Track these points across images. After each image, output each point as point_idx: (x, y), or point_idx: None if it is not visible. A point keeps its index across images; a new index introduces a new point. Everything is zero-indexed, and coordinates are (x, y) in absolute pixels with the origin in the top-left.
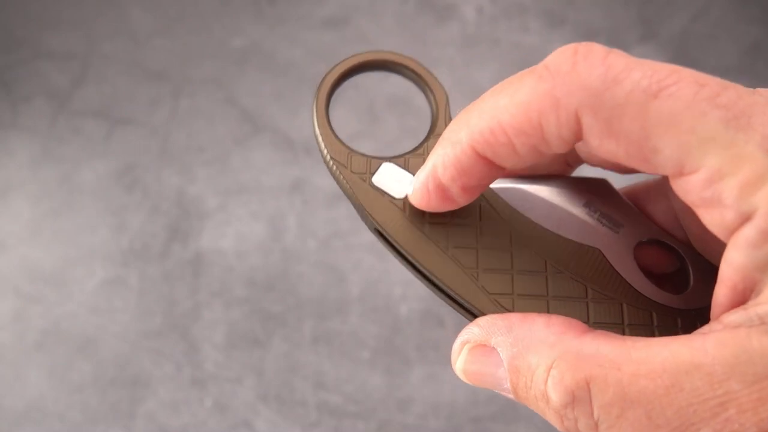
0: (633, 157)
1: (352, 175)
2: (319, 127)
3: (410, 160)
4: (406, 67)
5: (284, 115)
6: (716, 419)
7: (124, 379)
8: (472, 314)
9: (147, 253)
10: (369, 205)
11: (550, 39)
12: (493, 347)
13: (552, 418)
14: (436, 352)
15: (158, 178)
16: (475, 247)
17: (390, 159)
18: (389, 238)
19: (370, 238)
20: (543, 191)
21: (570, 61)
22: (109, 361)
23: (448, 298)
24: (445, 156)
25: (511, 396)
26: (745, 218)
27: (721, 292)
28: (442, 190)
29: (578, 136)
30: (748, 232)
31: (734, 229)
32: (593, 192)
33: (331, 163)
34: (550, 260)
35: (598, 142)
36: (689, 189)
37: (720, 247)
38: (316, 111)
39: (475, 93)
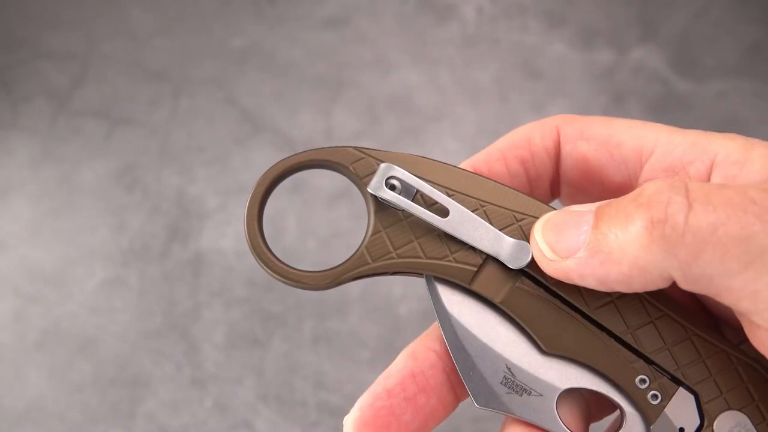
0: (600, 154)
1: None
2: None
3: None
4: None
5: (284, 115)
6: None
7: (124, 379)
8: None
9: (147, 253)
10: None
11: (550, 39)
12: (582, 206)
13: (637, 215)
14: None
15: (158, 178)
16: None
17: None
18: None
19: None
20: None
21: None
22: (109, 361)
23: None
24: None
25: (572, 259)
26: (710, 165)
27: None
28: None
29: (557, 147)
30: (716, 174)
31: (706, 180)
32: None
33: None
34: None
35: (570, 147)
36: (654, 171)
37: None
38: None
39: (475, 93)
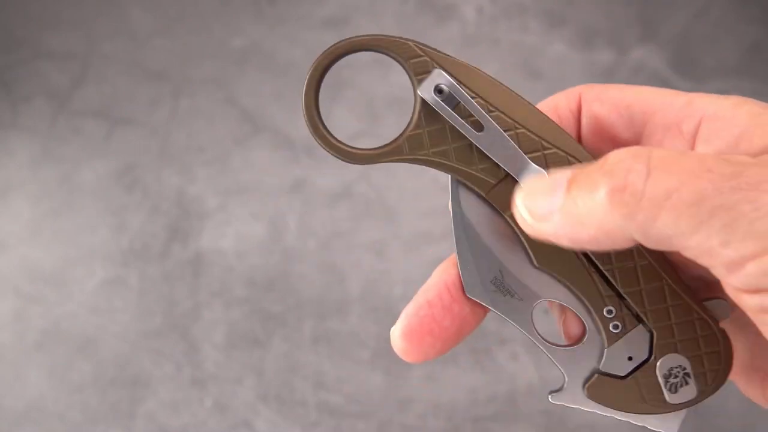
0: (612, 113)
1: None
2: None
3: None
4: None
5: (284, 115)
6: None
7: (124, 379)
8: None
9: (147, 253)
10: None
11: (550, 39)
12: (558, 172)
13: (602, 183)
14: None
15: (158, 178)
16: None
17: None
18: None
19: (370, 238)
20: None
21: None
22: (109, 361)
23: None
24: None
25: (548, 222)
26: (699, 121)
27: None
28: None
29: (579, 108)
30: (702, 131)
31: (694, 135)
32: None
33: None
34: None
35: (587, 107)
36: (655, 127)
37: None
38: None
39: None
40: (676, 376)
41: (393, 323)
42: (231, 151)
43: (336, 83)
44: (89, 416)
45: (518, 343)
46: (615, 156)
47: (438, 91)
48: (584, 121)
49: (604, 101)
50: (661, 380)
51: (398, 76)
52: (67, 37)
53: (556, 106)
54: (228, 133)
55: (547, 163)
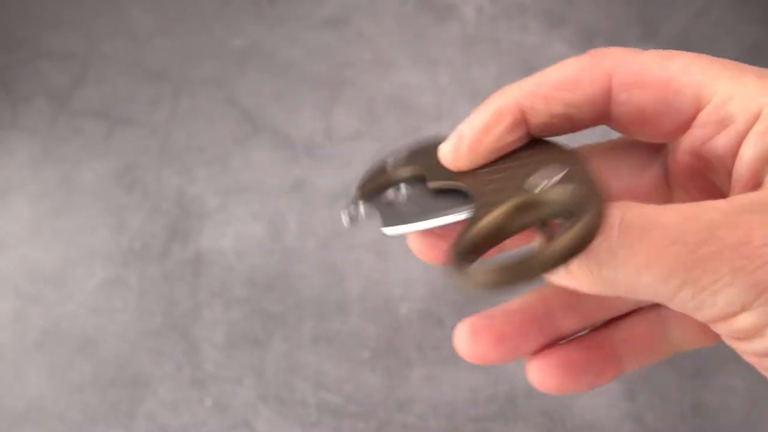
0: (658, 103)
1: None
2: None
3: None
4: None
5: (284, 115)
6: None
7: (124, 379)
8: None
9: (147, 253)
10: None
11: (550, 39)
12: None
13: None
14: (436, 352)
15: (158, 178)
16: None
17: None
18: None
19: (370, 238)
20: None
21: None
22: (109, 361)
23: None
24: (487, 105)
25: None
26: (754, 119)
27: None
28: (476, 141)
29: (606, 96)
30: (757, 127)
31: (744, 135)
32: None
33: None
34: None
35: (625, 96)
36: (704, 123)
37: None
38: None
39: (475, 93)
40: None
41: (393, 323)
42: (231, 151)
43: (336, 83)
44: (89, 416)
45: None
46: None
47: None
48: (621, 110)
49: (646, 86)
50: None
51: (398, 76)
52: (67, 37)
53: (577, 83)
54: (228, 133)
55: None
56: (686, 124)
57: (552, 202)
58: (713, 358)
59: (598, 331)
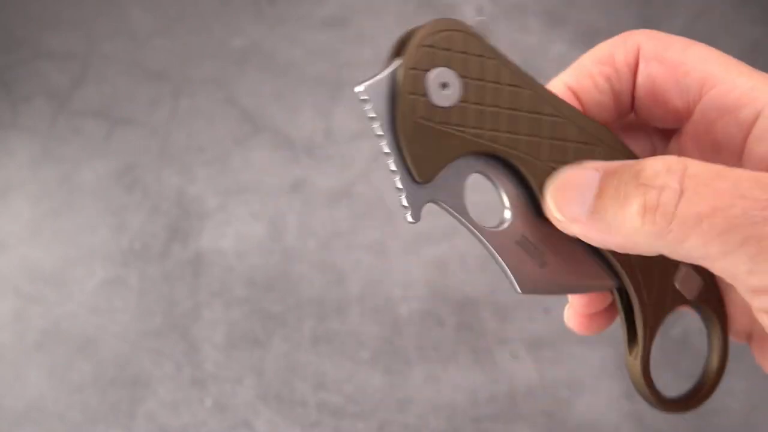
0: (668, 78)
1: None
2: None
3: None
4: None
5: (284, 115)
6: None
7: (124, 379)
8: None
9: (147, 253)
10: None
11: (550, 39)
12: (595, 168)
13: (633, 200)
14: (436, 352)
15: (158, 178)
16: None
17: None
18: None
19: (370, 238)
20: None
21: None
22: (109, 361)
23: None
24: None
25: (577, 224)
26: (758, 112)
27: None
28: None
29: (637, 62)
30: (761, 122)
31: (750, 126)
32: None
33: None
34: None
35: (644, 65)
36: (707, 107)
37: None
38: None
39: None
40: None
41: (393, 323)
42: (231, 151)
43: (336, 83)
44: (89, 416)
45: (518, 343)
46: (650, 168)
47: None
48: (640, 79)
49: (663, 62)
50: None
51: None
52: (67, 37)
53: (612, 56)
54: (228, 133)
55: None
56: (691, 104)
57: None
58: None
59: None
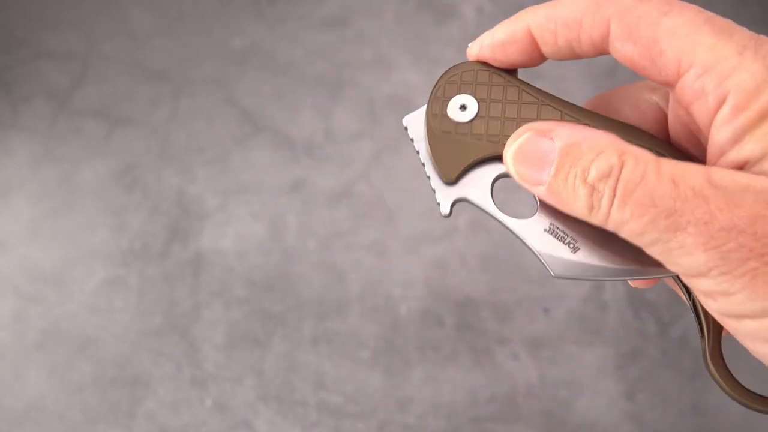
0: (644, 59)
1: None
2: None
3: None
4: None
5: (284, 115)
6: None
7: (124, 379)
8: None
9: (147, 253)
10: None
11: None
12: (552, 136)
13: (581, 196)
14: (436, 352)
15: (158, 178)
16: None
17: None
18: None
19: (370, 238)
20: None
21: None
22: (109, 361)
23: None
24: (505, 25)
25: (539, 188)
26: (722, 101)
27: None
28: (491, 49)
29: (604, 40)
30: (723, 110)
31: (715, 112)
32: None
33: None
34: None
35: (619, 45)
36: (684, 88)
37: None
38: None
39: None
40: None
41: (393, 323)
42: (231, 151)
43: (336, 83)
44: (89, 416)
45: (518, 343)
46: (595, 169)
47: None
48: (618, 56)
49: (636, 41)
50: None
51: (398, 75)
52: (67, 37)
53: (580, 23)
54: (228, 133)
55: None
56: (672, 81)
57: None
58: None
59: None
